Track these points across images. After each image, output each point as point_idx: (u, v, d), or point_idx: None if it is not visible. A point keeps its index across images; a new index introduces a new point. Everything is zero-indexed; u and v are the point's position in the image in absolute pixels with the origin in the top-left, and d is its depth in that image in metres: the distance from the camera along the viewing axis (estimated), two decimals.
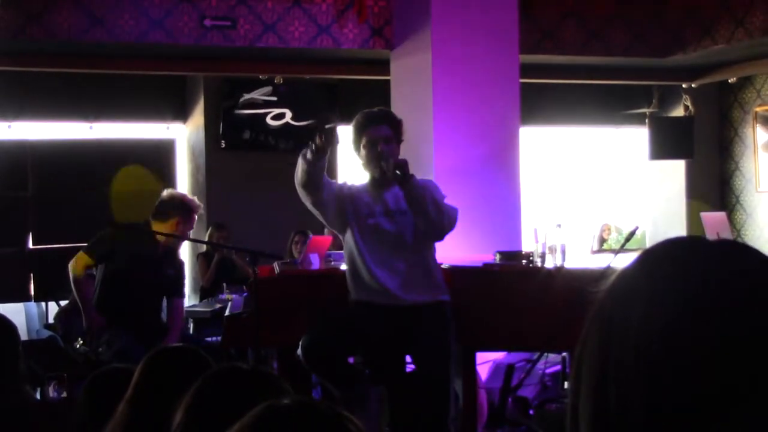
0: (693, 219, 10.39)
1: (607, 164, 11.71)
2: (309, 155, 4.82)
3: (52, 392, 5.48)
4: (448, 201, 4.97)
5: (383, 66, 8.37)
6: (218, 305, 7.66)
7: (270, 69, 9.41)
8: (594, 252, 10.75)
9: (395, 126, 5.07)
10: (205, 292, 8.79)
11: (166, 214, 6.03)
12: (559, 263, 5.45)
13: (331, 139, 4.78)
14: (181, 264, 6.43)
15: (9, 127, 9.53)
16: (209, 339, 6.87)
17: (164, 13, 7.91)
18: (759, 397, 0.89)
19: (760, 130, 10.78)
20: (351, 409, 1.34)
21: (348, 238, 5.06)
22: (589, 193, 11.57)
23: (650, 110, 11.17)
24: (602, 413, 0.94)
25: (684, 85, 10.66)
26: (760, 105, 10.80)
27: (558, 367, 6.30)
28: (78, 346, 5.90)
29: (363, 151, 5.00)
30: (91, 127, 9.85)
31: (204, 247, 9.14)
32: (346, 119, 10.09)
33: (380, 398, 5.27)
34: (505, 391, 5.82)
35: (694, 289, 0.93)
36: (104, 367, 3.00)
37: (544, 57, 9.08)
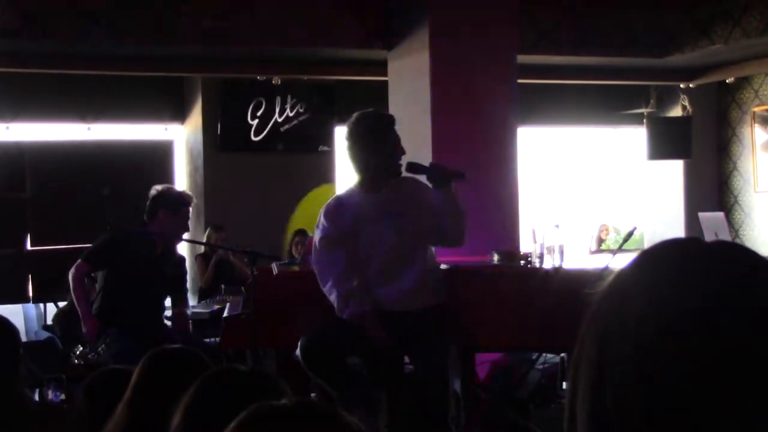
0: (691, 219, 10.39)
1: (605, 164, 11.71)
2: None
3: (50, 394, 5.47)
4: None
5: (381, 67, 8.37)
6: (216, 306, 7.66)
7: (268, 70, 9.41)
8: (592, 252, 10.76)
9: None
10: (203, 293, 8.79)
11: (154, 212, 6.01)
12: (557, 264, 5.45)
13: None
14: (181, 260, 6.38)
15: (7, 128, 9.52)
16: (208, 340, 6.87)
17: (162, 15, 7.92)
18: (756, 398, 0.89)
19: (758, 130, 10.78)
20: (348, 410, 1.34)
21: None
22: (588, 194, 11.57)
23: (648, 110, 11.18)
24: (599, 413, 0.95)
25: (682, 85, 10.66)
26: (758, 105, 10.81)
27: (556, 368, 6.30)
28: (78, 352, 5.88)
29: (389, 152, 4.96)
30: (89, 129, 9.85)
31: (202, 248, 9.14)
32: (344, 120, 10.16)
33: (378, 399, 5.27)
34: (504, 392, 5.82)
35: (690, 290, 0.93)
36: (102, 369, 3.00)
37: (542, 57, 9.08)
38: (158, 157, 10.12)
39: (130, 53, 8.49)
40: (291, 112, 10.00)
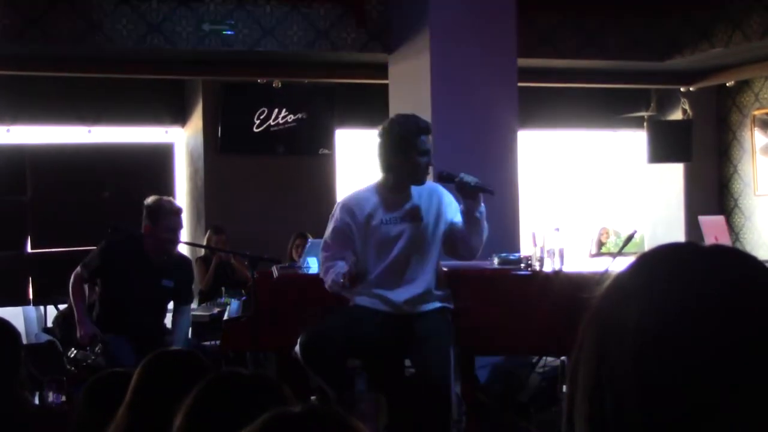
0: (691, 223, 10.39)
1: (606, 168, 11.71)
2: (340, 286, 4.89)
3: (50, 397, 5.47)
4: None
5: (381, 70, 8.38)
6: (217, 309, 7.66)
7: (268, 73, 9.41)
8: (592, 256, 10.75)
9: None
10: (203, 296, 8.78)
11: (144, 222, 6.00)
12: (557, 267, 5.45)
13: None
14: (183, 264, 6.28)
15: (7, 131, 9.52)
16: (208, 343, 6.86)
17: (163, 18, 7.92)
18: (754, 401, 0.89)
19: (758, 133, 10.78)
20: (348, 411, 1.35)
21: (359, 244, 5.05)
22: (588, 197, 11.57)
23: (648, 114, 11.18)
24: (598, 416, 0.95)
25: (682, 89, 10.67)
26: (758, 108, 10.81)
27: (556, 371, 6.30)
28: (71, 355, 5.87)
29: (415, 157, 4.94)
30: (89, 131, 9.85)
31: (202, 252, 9.14)
32: (344, 123, 10.19)
33: (376, 401, 5.27)
34: (504, 395, 5.83)
35: (689, 294, 0.93)
36: (103, 371, 3.00)
37: (542, 61, 9.09)
38: (159, 159, 10.12)
39: (131, 56, 8.49)
40: (291, 115, 10.00)
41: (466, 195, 4.91)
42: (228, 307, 7.33)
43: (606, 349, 0.96)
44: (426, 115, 7.32)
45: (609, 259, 8.06)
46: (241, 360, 6.72)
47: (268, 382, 1.99)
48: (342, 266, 4.90)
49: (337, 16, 8.34)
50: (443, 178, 5.02)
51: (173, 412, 1.91)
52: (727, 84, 10.61)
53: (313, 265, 5.78)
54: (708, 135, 11.18)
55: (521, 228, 7.49)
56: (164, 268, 6.00)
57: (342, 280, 4.83)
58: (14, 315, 8.40)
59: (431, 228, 5.00)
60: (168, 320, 6.37)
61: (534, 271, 5.47)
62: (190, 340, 6.33)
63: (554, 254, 5.48)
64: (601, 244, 10.89)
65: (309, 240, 6.77)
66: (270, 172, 9.99)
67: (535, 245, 5.50)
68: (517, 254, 5.83)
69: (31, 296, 9.20)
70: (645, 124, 10.99)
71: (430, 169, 5.15)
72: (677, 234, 10.83)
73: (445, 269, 5.30)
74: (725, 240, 6.88)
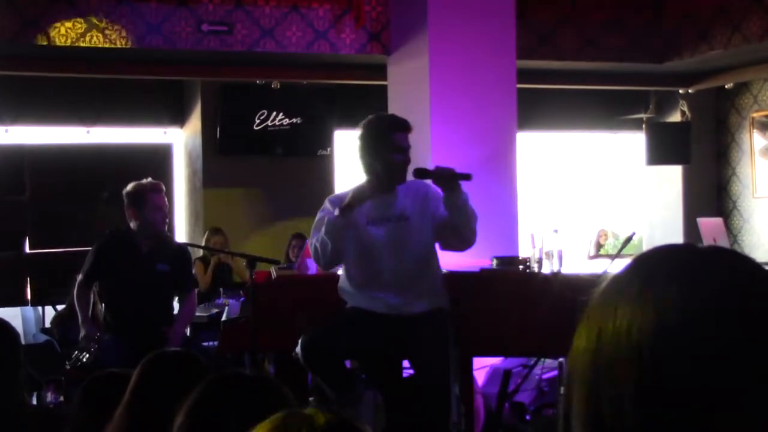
0: (690, 225, 10.40)
1: (604, 170, 11.71)
2: (335, 216, 4.83)
3: (49, 397, 5.46)
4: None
5: (380, 71, 8.38)
6: (215, 310, 7.66)
7: (267, 74, 9.41)
8: (591, 257, 10.75)
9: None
10: (202, 296, 8.78)
11: (128, 212, 5.99)
12: (556, 269, 5.46)
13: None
14: (178, 251, 6.22)
15: (6, 131, 9.52)
16: (206, 344, 6.86)
17: (161, 18, 7.92)
18: (753, 402, 0.89)
19: (757, 135, 10.79)
20: (346, 412, 1.35)
21: (349, 247, 5.04)
22: (586, 199, 11.57)
23: (647, 116, 11.19)
24: (594, 419, 0.95)
25: (681, 91, 10.67)
26: (757, 110, 10.81)
27: (555, 373, 6.30)
28: (73, 356, 5.87)
29: (388, 155, 4.93)
30: (88, 132, 9.85)
31: (201, 252, 9.14)
32: (343, 124, 10.19)
33: (375, 403, 5.27)
34: (502, 397, 5.83)
35: (686, 295, 0.93)
36: (99, 372, 3.00)
37: (541, 62, 9.09)
38: (157, 160, 10.12)
39: (130, 57, 8.49)
40: (290, 116, 10.00)
41: (445, 186, 4.88)
42: (226, 308, 7.33)
43: (602, 353, 0.95)
44: (425, 116, 7.34)
45: (607, 260, 8.06)
46: (239, 361, 6.72)
47: (268, 383, 1.99)
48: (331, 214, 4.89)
49: (336, 17, 8.34)
50: (419, 174, 4.99)
51: (172, 412, 1.91)
52: (726, 86, 10.61)
53: (311, 265, 5.78)
54: (707, 137, 11.19)
55: (520, 229, 7.49)
56: (158, 254, 5.97)
57: (337, 213, 4.81)
58: (12, 315, 8.40)
59: (419, 226, 4.97)
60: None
61: (532, 273, 5.48)
62: (188, 338, 6.31)
63: (553, 256, 5.48)
64: (599, 246, 10.89)
65: (306, 241, 6.76)
66: (269, 173, 9.99)
67: (534, 247, 5.51)
68: (515, 256, 5.84)
69: (29, 297, 9.20)
70: (644, 126, 11.00)
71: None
72: (676, 236, 10.83)
73: (444, 271, 5.30)
74: (724, 242, 6.88)
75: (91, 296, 6.04)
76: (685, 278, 0.95)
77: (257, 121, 9.91)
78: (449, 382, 4.89)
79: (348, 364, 5.26)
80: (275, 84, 9.60)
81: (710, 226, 7.52)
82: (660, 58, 9.44)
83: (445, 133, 7.28)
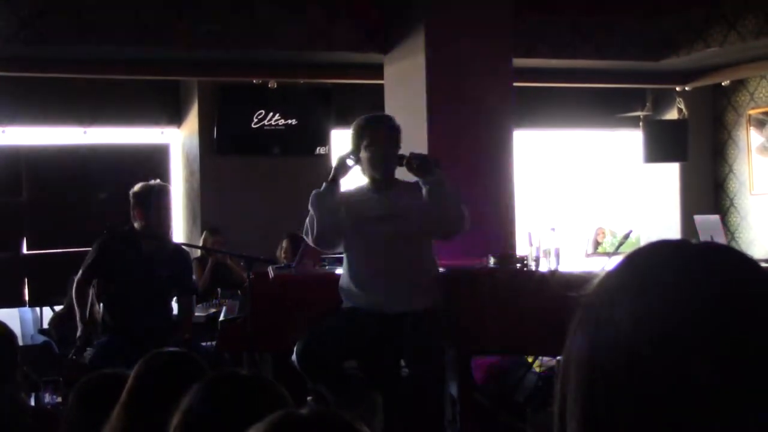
0: (687, 222, 10.40)
1: (602, 167, 11.72)
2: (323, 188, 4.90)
3: (47, 397, 5.48)
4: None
5: (377, 70, 8.37)
6: (213, 310, 7.65)
7: (264, 73, 9.41)
8: (588, 255, 10.74)
9: (396, 131, 5.12)
10: (199, 296, 8.77)
11: (132, 212, 6.00)
12: (553, 267, 5.46)
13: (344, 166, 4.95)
14: (177, 252, 6.24)
15: (3, 132, 9.51)
16: (204, 343, 6.86)
17: (158, 18, 7.92)
18: (749, 400, 0.89)
19: (753, 133, 10.79)
20: (344, 413, 1.35)
21: (346, 245, 5.06)
22: (584, 197, 11.58)
23: (644, 113, 11.19)
24: (590, 416, 0.95)
25: (677, 89, 10.67)
26: (753, 108, 10.82)
27: (552, 371, 6.30)
28: (70, 355, 5.87)
29: (364, 153, 5.00)
30: (85, 132, 9.84)
31: (198, 252, 9.13)
32: (340, 123, 10.18)
33: (374, 403, 5.27)
34: (500, 395, 5.83)
35: (681, 292, 0.93)
36: (94, 373, 3.00)
37: (538, 60, 9.09)
38: (155, 160, 10.12)
39: (127, 57, 8.49)
40: (287, 115, 9.99)
41: (419, 171, 4.91)
42: (224, 308, 7.32)
43: (598, 351, 0.95)
44: (421, 114, 7.34)
45: (605, 258, 8.06)
46: (237, 360, 6.71)
47: (266, 383, 1.99)
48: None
49: (332, 16, 8.34)
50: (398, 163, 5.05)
51: (169, 412, 1.91)
52: (723, 83, 10.61)
53: (309, 265, 5.78)
54: (703, 134, 11.19)
55: (517, 228, 7.49)
56: (158, 257, 5.98)
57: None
58: (10, 316, 8.40)
59: (414, 223, 4.99)
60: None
61: (530, 271, 5.48)
62: (188, 338, 6.31)
63: (550, 254, 5.48)
64: (597, 244, 10.89)
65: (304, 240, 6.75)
66: (266, 172, 9.98)
67: (531, 245, 5.51)
68: (513, 254, 5.84)
69: (26, 297, 9.19)
70: (641, 123, 11.00)
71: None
72: (673, 233, 10.84)
73: (441, 269, 5.30)
74: (721, 239, 6.88)
75: (90, 295, 6.04)
76: (680, 274, 0.95)
77: (254, 121, 9.90)
78: (444, 380, 4.90)
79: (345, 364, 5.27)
80: (272, 84, 9.60)
81: (707, 224, 7.52)
82: (657, 56, 9.45)
83: (442, 132, 7.28)
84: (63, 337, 7.41)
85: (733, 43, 8.80)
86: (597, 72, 9.93)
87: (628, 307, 0.95)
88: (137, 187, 6.03)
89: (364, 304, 5.01)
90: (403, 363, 5.29)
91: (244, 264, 5.43)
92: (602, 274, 1.01)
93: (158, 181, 6.14)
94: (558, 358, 6.05)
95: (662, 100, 11.16)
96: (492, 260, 5.62)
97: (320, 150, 10.15)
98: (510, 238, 7.29)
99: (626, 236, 5.96)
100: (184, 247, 6.74)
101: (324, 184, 4.95)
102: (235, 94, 9.85)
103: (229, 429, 1.75)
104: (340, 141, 10.29)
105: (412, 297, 4.98)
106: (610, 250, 9.82)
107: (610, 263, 1.00)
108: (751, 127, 10.81)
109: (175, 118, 10.37)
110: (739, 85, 10.87)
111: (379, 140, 5.01)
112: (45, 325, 8.56)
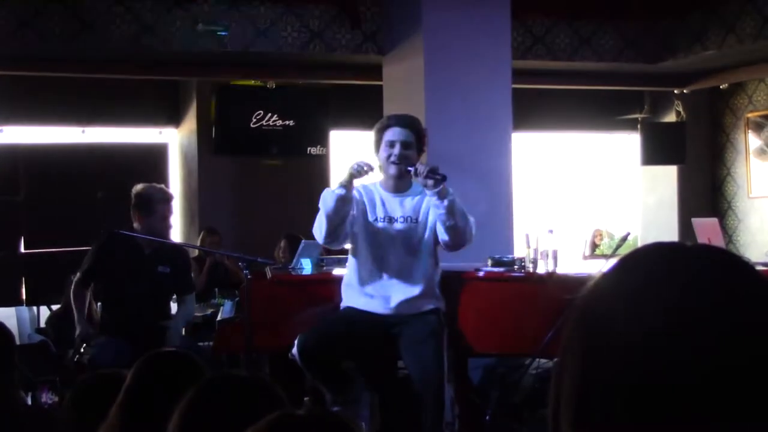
0: (684, 225, 10.41)
1: (599, 170, 11.73)
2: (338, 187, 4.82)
3: (44, 397, 5.48)
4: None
5: (376, 71, 8.38)
6: (210, 310, 7.65)
7: (262, 74, 9.41)
8: (586, 258, 10.76)
9: (418, 133, 5.07)
10: (197, 296, 8.76)
11: (133, 214, 5.99)
12: (551, 269, 5.46)
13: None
14: (176, 254, 6.24)
15: (1, 131, 9.51)
16: (201, 344, 6.85)
17: (156, 18, 7.92)
18: (743, 401, 0.90)
19: (751, 136, 10.80)
20: (342, 412, 1.35)
21: (354, 244, 5.05)
22: (581, 199, 11.59)
23: (642, 116, 11.20)
24: (584, 419, 0.95)
25: (676, 91, 10.68)
26: (751, 111, 10.83)
27: (550, 373, 6.30)
28: (69, 357, 5.87)
29: (381, 152, 4.98)
30: (83, 132, 9.84)
31: (196, 252, 9.13)
32: (338, 124, 10.19)
33: (371, 403, 5.28)
34: (497, 397, 5.82)
35: (673, 294, 0.94)
36: (91, 373, 3.00)
37: (536, 63, 9.10)
38: (152, 160, 10.11)
39: (125, 56, 8.49)
40: (286, 115, 9.99)
41: (427, 186, 4.85)
42: (221, 308, 7.32)
43: (593, 352, 0.96)
44: (420, 116, 7.32)
45: (603, 261, 8.06)
46: (234, 361, 6.71)
47: (263, 384, 1.99)
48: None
49: (331, 17, 8.34)
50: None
51: (167, 412, 1.92)
52: (721, 86, 10.62)
53: (306, 266, 5.77)
54: (701, 137, 11.20)
55: (515, 230, 7.49)
56: (159, 256, 5.99)
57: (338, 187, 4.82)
58: (7, 316, 8.40)
59: (424, 228, 5.00)
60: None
61: (527, 273, 5.48)
62: (184, 338, 6.31)
63: (548, 256, 5.48)
64: (594, 246, 10.90)
65: (302, 241, 6.75)
66: (264, 173, 9.98)
67: (529, 247, 5.51)
68: (510, 256, 5.84)
69: (24, 297, 9.18)
70: (639, 126, 11.01)
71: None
72: (671, 236, 10.84)
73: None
74: (719, 242, 6.88)
75: (88, 297, 6.04)
76: (673, 277, 0.95)
77: (253, 121, 9.90)
78: (443, 382, 4.89)
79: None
80: (271, 84, 9.60)
81: (705, 226, 7.51)
82: (655, 59, 9.45)
83: (440, 134, 7.27)
84: (60, 336, 7.41)
85: (732, 46, 8.81)
86: (595, 74, 9.93)
87: (621, 309, 0.95)
88: (140, 187, 6.01)
89: (366, 304, 5.00)
90: (402, 364, 5.29)
91: (241, 264, 5.42)
92: (596, 276, 1.01)
93: (161, 187, 6.12)
94: (555, 359, 6.06)
95: (660, 103, 11.17)
96: (490, 262, 5.62)
97: (318, 150, 10.14)
98: (508, 240, 7.29)
99: (624, 239, 5.95)
100: (181, 246, 6.73)
101: (337, 184, 4.88)
102: (234, 94, 9.85)
103: (227, 429, 1.76)
104: (339, 142, 10.31)
105: (415, 300, 4.98)
106: (608, 252, 9.82)
107: (607, 265, 1.00)
108: (749, 130, 10.82)
109: (174, 117, 10.37)
110: (737, 88, 10.88)
111: (394, 140, 4.98)
112: (42, 325, 8.56)
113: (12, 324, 8.42)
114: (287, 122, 9.99)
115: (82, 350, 5.78)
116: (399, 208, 5.01)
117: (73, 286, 5.97)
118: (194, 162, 10.00)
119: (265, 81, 9.57)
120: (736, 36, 8.71)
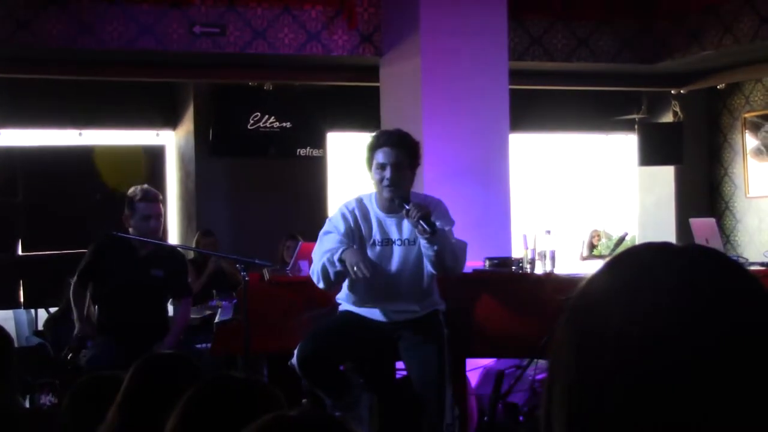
0: (682, 225, 10.41)
1: (597, 170, 11.74)
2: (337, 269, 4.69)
3: (42, 400, 5.46)
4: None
5: (373, 72, 8.38)
6: (208, 312, 7.65)
7: (259, 76, 9.41)
8: (584, 258, 10.76)
9: (409, 150, 4.88)
10: (194, 298, 8.75)
11: (125, 215, 6.00)
12: (548, 269, 5.46)
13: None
14: (171, 256, 6.22)
15: None
16: (199, 346, 6.85)
17: (153, 20, 7.92)
18: (737, 399, 0.90)
19: (748, 136, 10.81)
20: (342, 416, 1.36)
21: None
22: (579, 200, 11.60)
23: (639, 116, 11.20)
24: (577, 419, 0.95)
25: (673, 92, 10.69)
26: (748, 111, 10.83)
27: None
28: (64, 353, 5.88)
29: (373, 173, 4.84)
30: (80, 134, 9.84)
31: (192, 254, 9.12)
32: (335, 126, 10.19)
33: (371, 405, 5.27)
34: (495, 398, 5.82)
35: (664, 294, 0.94)
36: (89, 375, 3.00)
37: (533, 63, 9.10)
38: (150, 162, 10.11)
39: (122, 59, 8.48)
40: (283, 117, 9.99)
41: (420, 231, 4.69)
42: (219, 310, 7.32)
43: (585, 352, 0.96)
44: (417, 117, 7.34)
45: (600, 261, 8.07)
46: (232, 363, 6.71)
47: (260, 386, 1.99)
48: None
49: (328, 19, 8.34)
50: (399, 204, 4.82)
51: (164, 414, 1.92)
52: (718, 87, 10.63)
53: (304, 267, 5.77)
54: (699, 138, 11.21)
55: (513, 230, 7.49)
56: (153, 259, 5.98)
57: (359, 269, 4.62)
58: (5, 318, 8.40)
59: (419, 252, 4.90)
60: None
61: (525, 274, 5.48)
62: (182, 340, 6.31)
63: (545, 257, 5.49)
64: (592, 247, 10.90)
65: (300, 242, 6.76)
66: (261, 174, 9.98)
67: (527, 248, 5.51)
68: (508, 256, 5.84)
69: (22, 299, 9.18)
70: (636, 126, 11.02)
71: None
72: (668, 236, 10.84)
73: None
74: (716, 242, 6.88)
75: (87, 296, 6.04)
76: (664, 277, 0.95)
77: (250, 123, 9.90)
78: (444, 384, 4.88)
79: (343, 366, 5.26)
80: (268, 86, 9.60)
81: (702, 227, 7.51)
82: (652, 59, 9.46)
83: (437, 135, 7.28)
84: (58, 339, 7.41)
85: (729, 47, 8.82)
86: (592, 75, 9.94)
87: (613, 309, 0.95)
88: (130, 189, 6.04)
89: (361, 312, 4.99)
90: (400, 365, 5.28)
91: (239, 266, 5.42)
92: (588, 276, 1.01)
93: (142, 187, 6.09)
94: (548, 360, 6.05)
95: (657, 103, 11.18)
96: (487, 263, 5.62)
97: (316, 152, 10.15)
98: (505, 241, 7.30)
99: (621, 239, 5.96)
100: (179, 249, 6.73)
101: (336, 259, 4.67)
102: (231, 96, 9.85)
103: (224, 431, 1.76)
104: (337, 143, 10.31)
105: (413, 306, 4.95)
106: (606, 252, 9.83)
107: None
108: (747, 131, 10.83)
109: (171, 120, 10.37)
110: (734, 88, 10.88)
111: (384, 163, 4.79)
112: (40, 327, 8.55)
113: (10, 326, 8.42)
114: (284, 124, 9.99)
115: (82, 353, 5.78)
116: (396, 230, 4.91)
117: (72, 287, 5.99)
118: (191, 164, 10.00)
119: (262, 82, 9.56)
120: (733, 36, 8.71)
